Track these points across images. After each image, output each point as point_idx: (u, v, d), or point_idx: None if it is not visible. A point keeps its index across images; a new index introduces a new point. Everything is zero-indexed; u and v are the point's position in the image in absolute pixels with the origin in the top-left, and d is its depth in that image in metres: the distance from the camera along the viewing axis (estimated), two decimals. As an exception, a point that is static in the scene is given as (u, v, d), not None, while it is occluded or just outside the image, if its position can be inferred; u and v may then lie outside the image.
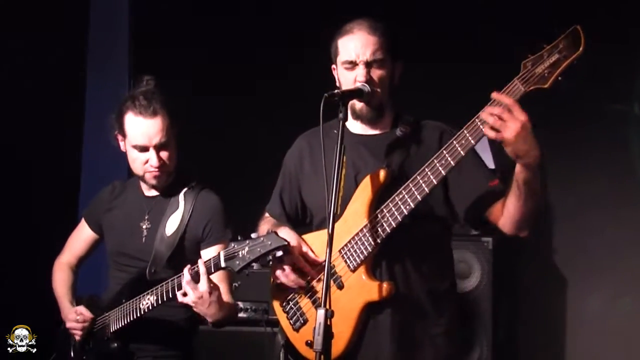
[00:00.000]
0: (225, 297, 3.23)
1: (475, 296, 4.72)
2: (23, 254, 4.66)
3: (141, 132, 3.25)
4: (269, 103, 5.39)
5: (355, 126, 3.03)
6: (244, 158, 5.40)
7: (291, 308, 3.00)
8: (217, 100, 5.45)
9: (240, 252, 2.91)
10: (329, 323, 2.54)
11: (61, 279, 3.62)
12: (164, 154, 3.28)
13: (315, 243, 2.96)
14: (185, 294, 3.04)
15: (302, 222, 3.17)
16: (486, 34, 5.07)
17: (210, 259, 3.02)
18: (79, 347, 3.45)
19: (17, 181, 4.90)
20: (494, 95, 2.57)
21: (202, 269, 3.00)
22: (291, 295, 3.00)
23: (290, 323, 3.01)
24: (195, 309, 3.09)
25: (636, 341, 4.92)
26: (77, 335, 3.42)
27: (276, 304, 3.07)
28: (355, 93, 2.88)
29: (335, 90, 2.80)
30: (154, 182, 3.36)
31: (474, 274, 4.75)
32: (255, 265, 2.93)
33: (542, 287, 5.19)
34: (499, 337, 4.86)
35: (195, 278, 3.01)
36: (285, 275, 2.92)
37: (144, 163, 3.29)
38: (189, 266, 3.05)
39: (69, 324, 3.44)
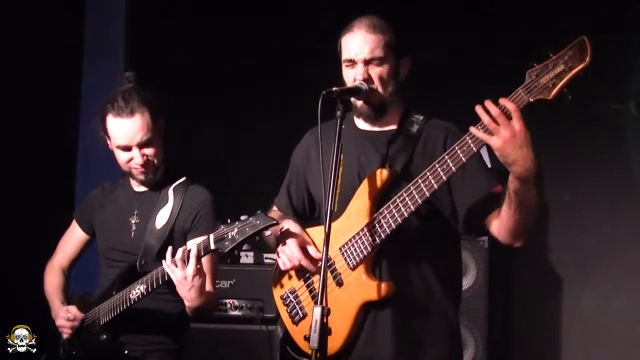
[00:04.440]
0: (207, 287, 3.24)
1: (471, 295, 4.72)
2: (23, 254, 4.64)
3: (122, 133, 3.30)
4: (269, 97, 5.37)
5: (361, 122, 3.03)
6: (243, 152, 5.39)
7: (291, 301, 3.01)
8: (214, 93, 5.43)
9: (229, 234, 2.95)
10: (325, 321, 2.54)
11: (52, 281, 3.63)
12: (147, 151, 3.32)
13: (317, 237, 2.97)
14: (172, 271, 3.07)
15: (310, 216, 3.19)
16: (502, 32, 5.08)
17: (200, 242, 3.05)
18: (67, 343, 3.45)
19: (15, 180, 4.88)
20: (501, 100, 2.54)
21: (193, 251, 3.03)
22: (291, 288, 3.01)
23: (289, 316, 3.01)
24: (177, 289, 3.10)
25: (631, 339, 4.92)
26: (66, 333, 3.43)
27: (277, 296, 3.08)
28: (353, 91, 2.88)
29: (333, 88, 2.79)
30: (141, 177, 3.39)
31: (470, 272, 4.76)
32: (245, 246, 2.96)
33: (537, 285, 5.19)
34: (495, 335, 4.86)
35: (185, 259, 3.04)
36: (293, 265, 2.92)
37: (129, 161, 3.34)
38: (184, 247, 3.07)
39: (58, 322, 3.45)
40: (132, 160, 3.32)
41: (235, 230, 2.93)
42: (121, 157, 3.35)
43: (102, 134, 3.39)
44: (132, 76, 3.43)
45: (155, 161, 3.35)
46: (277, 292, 3.07)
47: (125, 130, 3.29)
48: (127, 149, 3.31)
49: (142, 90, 3.37)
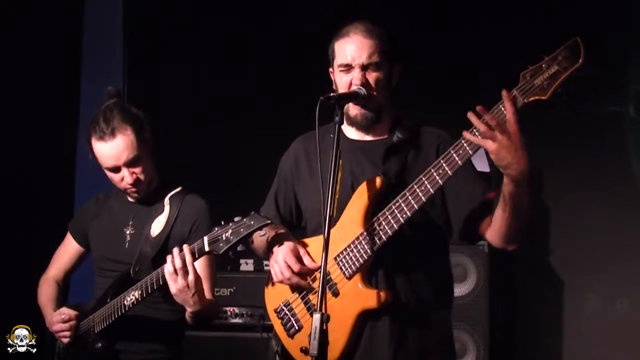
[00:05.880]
0: (207, 294, 3.23)
1: (472, 299, 4.71)
2: (23, 254, 4.65)
3: (107, 156, 3.30)
4: (265, 104, 5.36)
5: (351, 132, 3.01)
6: (237, 162, 5.38)
7: (285, 314, 2.98)
8: (214, 94, 5.42)
9: (223, 235, 2.94)
10: (325, 327, 2.52)
11: (45, 292, 3.62)
12: (136, 169, 3.32)
13: (310, 247, 2.95)
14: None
15: (297, 225, 3.17)
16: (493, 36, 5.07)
17: (194, 245, 3.04)
18: (62, 352, 3.44)
19: (15, 180, 4.88)
20: (501, 102, 2.53)
21: (189, 258, 3.01)
22: (285, 301, 2.98)
23: (284, 329, 2.98)
24: (175, 297, 3.08)
25: (634, 342, 4.90)
26: (66, 336, 3.40)
27: (270, 310, 3.05)
28: (351, 96, 2.86)
29: (331, 94, 2.77)
30: (135, 196, 3.41)
31: (470, 277, 4.74)
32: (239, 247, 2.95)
33: (538, 289, 5.18)
34: (496, 340, 4.84)
35: (184, 267, 3.02)
36: (288, 278, 2.89)
37: (121, 181, 3.34)
38: (176, 249, 3.04)
39: (55, 327, 3.42)
40: (123, 180, 3.32)
41: (230, 231, 2.93)
42: (113, 178, 3.36)
43: (92, 156, 3.37)
44: (114, 90, 3.41)
45: (145, 177, 3.34)
46: (271, 306, 3.04)
47: (109, 153, 3.28)
48: (116, 170, 3.31)
49: (124, 106, 3.35)
